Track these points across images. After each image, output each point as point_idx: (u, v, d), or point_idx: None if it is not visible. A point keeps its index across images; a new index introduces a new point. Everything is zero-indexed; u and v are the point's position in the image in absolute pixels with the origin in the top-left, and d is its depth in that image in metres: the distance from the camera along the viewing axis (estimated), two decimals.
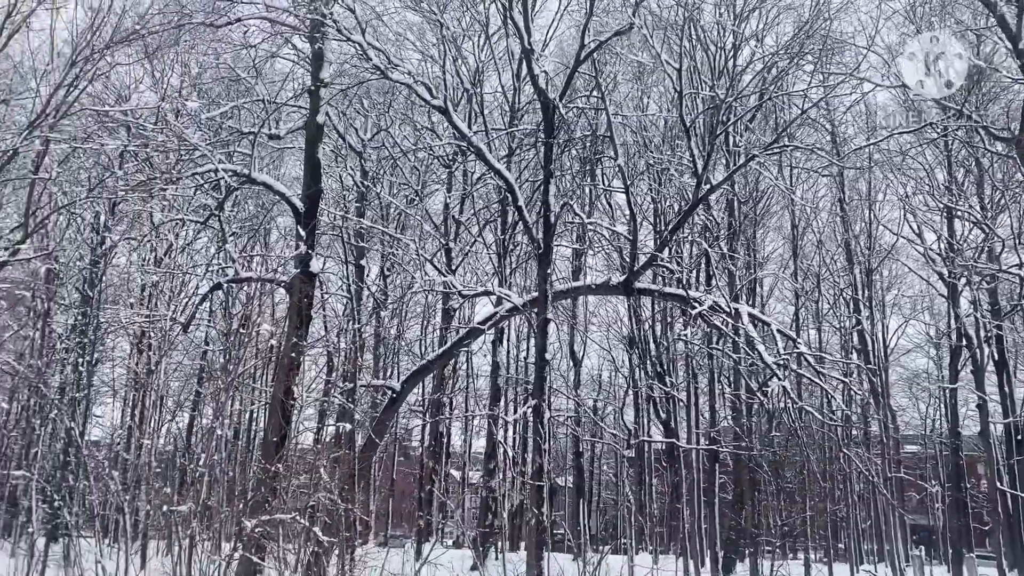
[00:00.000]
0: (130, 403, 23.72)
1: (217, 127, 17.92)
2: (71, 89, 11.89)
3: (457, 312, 26.34)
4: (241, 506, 12.82)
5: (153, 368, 19.02)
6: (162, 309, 19.82)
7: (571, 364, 29.36)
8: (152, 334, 19.78)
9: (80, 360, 17.54)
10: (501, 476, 25.58)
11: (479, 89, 23.79)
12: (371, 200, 25.57)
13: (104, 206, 18.39)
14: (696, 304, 15.83)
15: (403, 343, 30.75)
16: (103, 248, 18.69)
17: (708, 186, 16.05)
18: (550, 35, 23.22)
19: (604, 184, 23.62)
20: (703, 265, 24.07)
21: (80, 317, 18.58)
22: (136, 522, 14.60)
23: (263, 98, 17.38)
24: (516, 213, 19.11)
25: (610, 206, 26.17)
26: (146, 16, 14.75)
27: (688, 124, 15.84)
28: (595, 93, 19.48)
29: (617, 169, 18.63)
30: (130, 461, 16.98)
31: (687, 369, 25.60)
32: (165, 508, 12.57)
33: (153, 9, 15.98)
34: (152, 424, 18.60)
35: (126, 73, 18.70)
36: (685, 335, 21.16)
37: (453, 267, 23.65)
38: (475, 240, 26.15)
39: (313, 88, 16.55)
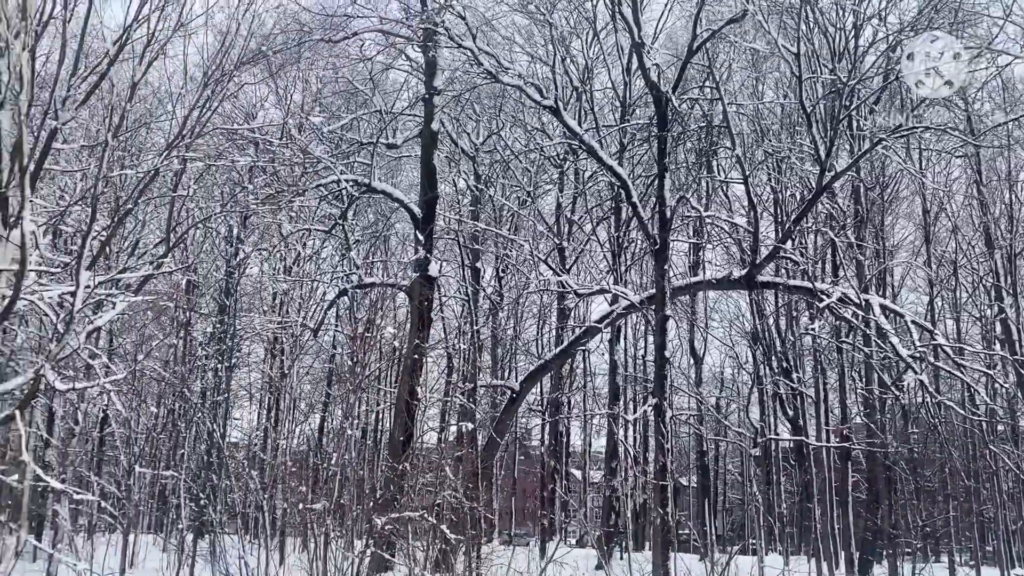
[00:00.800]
0: (265, 406, 24.95)
1: (338, 139, 18.63)
2: (204, 110, 12.56)
3: (573, 311, 26.36)
4: (371, 504, 13.26)
5: (286, 372, 19.94)
6: (293, 315, 20.78)
7: (692, 361, 28.94)
8: (284, 339, 20.77)
9: (219, 366, 18.62)
10: (623, 475, 25.45)
11: (589, 87, 23.75)
12: (484, 203, 25.91)
13: (236, 219, 19.48)
14: (823, 296, 15.28)
15: (520, 343, 30.98)
16: (237, 259, 19.77)
17: (832, 173, 15.43)
18: (660, 28, 22.88)
19: (721, 176, 23.03)
20: (829, 255, 23.13)
21: (218, 325, 19.73)
22: (274, 519, 15.30)
23: (380, 109, 17.97)
24: (630, 209, 18.96)
25: (728, 198, 25.55)
26: (270, 36, 15.54)
27: (808, 110, 15.26)
28: (709, 83, 19.08)
29: (735, 159, 18.16)
30: (267, 461, 17.85)
31: (815, 364, 24.68)
32: (301, 506, 13.15)
33: (276, 29, 16.82)
34: (286, 425, 19.49)
35: (252, 92, 19.81)
36: (812, 329, 20.42)
37: (567, 266, 23.68)
38: (588, 239, 26.08)
39: (427, 96, 17.00)
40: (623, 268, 23.71)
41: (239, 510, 16.41)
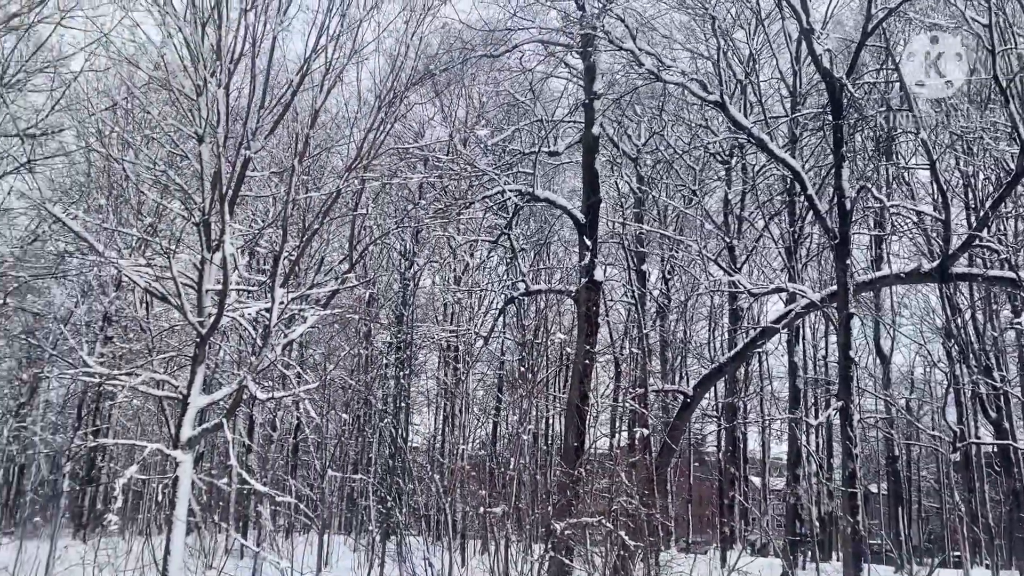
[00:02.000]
0: (442, 411, 25.89)
1: (501, 151, 19.03)
2: (378, 132, 13.20)
3: (746, 312, 25.53)
4: (548, 509, 13.39)
5: (461, 378, 20.65)
6: (464, 324, 21.50)
7: (878, 361, 27.19)
8: (457, 347, 21.54)
9: (399, 373, 19.57)
10: (808, 482, 24.30)
11: (755, 78, 22.95)
12: (648, 205, 25.63)
13: (410, 234, 20.41)
14: None
15: (691, 347, 30.39)
16: (411, 272, 20.69)
17: None
18: (830, 11, 21.74)
19: (903, 162, 21.51)
20: None
21: (396, 335, 20.75)
22: (455, 522, 15.79)
23: (540, 118, 18.20)
24: (805, 203, 18.17)
25: (911, 186, 23.86)
26: (435, 56, 16.17)
27: (1005, 85, 14.03)
28: (887, 65, 17.94)
29: (919, 144, 16.97)
30: (446, 465, 18.50)
31: (1020, 361, 22.61)
32: (481, 510, 13.48)
33: (440, 49, 17.46)
34: (462, 430, 20.16)
35: (420, 111, 20.69)
36: (1018, 323, 18.71)
37: (738, 266, 22.95)
38: (760, 235, 25.14)
39: (587, 102, 17.04)
40: (800, 265, 22.66)
41: (422, 512, 17.12)
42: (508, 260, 21.50)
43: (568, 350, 18.13)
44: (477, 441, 21.72)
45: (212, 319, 12.01)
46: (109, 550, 14.95)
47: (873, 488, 35.33)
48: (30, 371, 19.45)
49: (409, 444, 20.88)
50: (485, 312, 23.31)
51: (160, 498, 15.24)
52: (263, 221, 15.70)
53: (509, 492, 13.85)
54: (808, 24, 15.33)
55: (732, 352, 19.62)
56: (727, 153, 24.30)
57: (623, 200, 24.68)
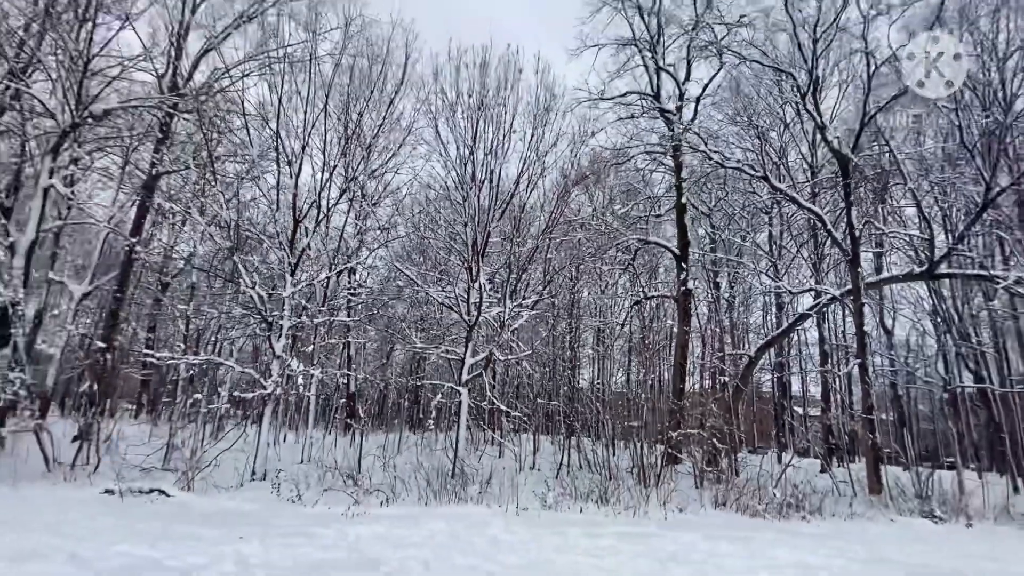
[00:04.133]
0: (596, 365, 25.46)
1: (623, 217, 18.50)
2: (557, 211, 13.43)
3: (787, 304, 23.28)
4: (664, 424, 13.02)
5: (608, 348, 20.30)
6: (609, 316, 21.22)
7: (883, 334, 23.80)
8: (602, 329, 21.19)
9: (571, 341, 19.18)
10: (837, 411, 21.65)
11: (785, 160, 21.05)
12: (718, 242, 24.17)
13: (575, 266, 20.29)
14: (999, 280, 11.82)
15: (750, 326, 28.06)
16: (576, 287, 20.55)
17: (997, 188, 11.94)
18: (834, 112, 19.60)
19: (895, 202, 18.84)
20: (998, 251, 17.64)
21: (569, 323, 20.62)
22: (611, 430, 15.41)
23: (649, 196, 17.72)
24: (825, 234, 16.44)
25: (902, 218, 20.79)
26: (587, 166, 16.40)
27: (971, 147, 12.06)
28: (878, 143, 15.90)
29: (908, 191, 14.88)
30: (602, 397, 18.21)
31: (993, 331, 18.89)
32: (625, 424, 13.38)
33: (589, 161, 17.54)
34: (609, 378, 19.76)
35: (577, 199, 20.64)
36: (991, 304, 15.71)
37: (780, 276, 21.03)
38: (794, 256, 22.93)
39: (677, 184, 16.44)
40: (823, 273, 20.38)
41: (590, 423, 16.84)
42: (633, 279, 21.05)
43: (673, 330, 17.48)
44: (619, 384, 21.39)
45: (474, 317, 12.87)
46: (428, 438, 16.25)
47: (883, 416, 30.69)
48: (385, 348, 21.48)
49: (578, 384, 20.76)
50: (621, 309, 22.91)
51: (452, 411, 16.42)
52: (497, 264, 16.50)
53: (641, 413, 13.62)
54: (821, 122, 14.01)
55: (779, 330, 18.06)
56: (769, 207, 22.42)
57: (701, 240, 23.46)
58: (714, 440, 11.72)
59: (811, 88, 14.09)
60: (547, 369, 18.08)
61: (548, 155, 13.60)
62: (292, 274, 11.76)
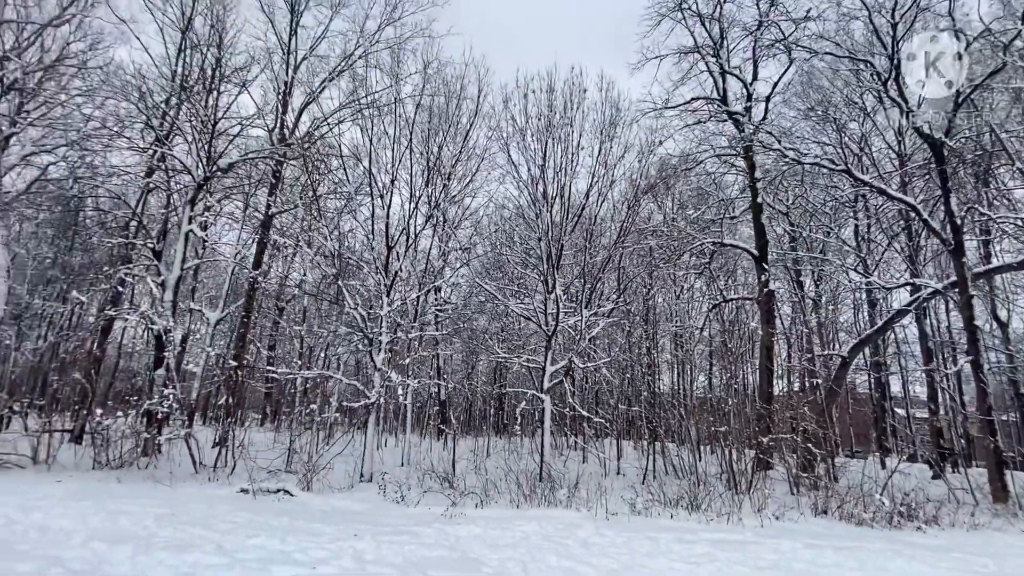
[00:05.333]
0: (676, 370, 24.51)
1: (697, 219, 17.94)
2: (628, 220, 13.25)
3: (882, 300, 21.17)
4: (754, 429, 12.31)
5: (689, 352, 19.47)
6: (686, 320, 20.42)
7: (996, 326, 20.86)
8: (680, 335, 20.38)
9: (650, 350, 18.87)
10: (944, 412, 19.20)
11: (868, 150, 19.35)
12: (798, 240, 22.54)
13: (648, 272, 19.75)
14: None
15: (840, 325, 25.72)
16: (651, 293, 20.03)
17: None
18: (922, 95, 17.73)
19: (1000, 187, 16.59)
20: None
21: (646, 330, 20.15)
22: (696, 434, 14.84)
23: (723, 199, 17.01)
24: (921, 224, 14.85)
25: (1011, 201, 18.22)
26: (655, 175, 16.06)
27: None
28: (976, 124, 14.20)
29: (1017, 170, 13.14)
30: (684, 401, 17.53)
31: None
32: (712, 428, 12.76)
33: (655, 170, 17.14)
34: (691, 383, 18.94)
35: (646, 207, 20.14)
36: None
37: (871, 271, 19.20)
38: (885, 250, 20.82)
39: (751, 184, 15.65)
40: (919, 267, 18.34)
41: (673, 429, 16.25)
42: (709, 282, 20.15)
43: (757, 333, 16.50)
44: (701, 388, 20.39)
45: (552, 327, 12.95)
46: (514, 441, 16.43)
47: (1004, 417, 26.70)
48: (471, 359, 21.99)
49: (658, 389, 20.07)
50: (699, 313, 21.92)
51: (536, 417, 16.54)
52: (572, 275, 16.51)
53: (729, 418, 12.96)
54: (907, 108, 12.78)
55: (873, 328, 16.44)
56: (853, 200, 20.61)
57: (780, 239, 21.99)
58: (809, 445, 10.91)
59: (893, 74, 12.92)
60: (626, 375, 17.69)
61: (616, 167, 13.53)
62: (388, 295, 12.55)
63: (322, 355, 21.02)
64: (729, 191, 18.63)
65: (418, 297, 14.41)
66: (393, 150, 13.41)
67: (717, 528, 7.81)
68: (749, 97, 15.50)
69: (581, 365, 13.75)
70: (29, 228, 18.36)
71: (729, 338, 18.35)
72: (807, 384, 16.67)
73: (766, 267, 14.78)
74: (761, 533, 7.50)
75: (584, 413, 12.78)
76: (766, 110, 15.77)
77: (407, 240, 13.79)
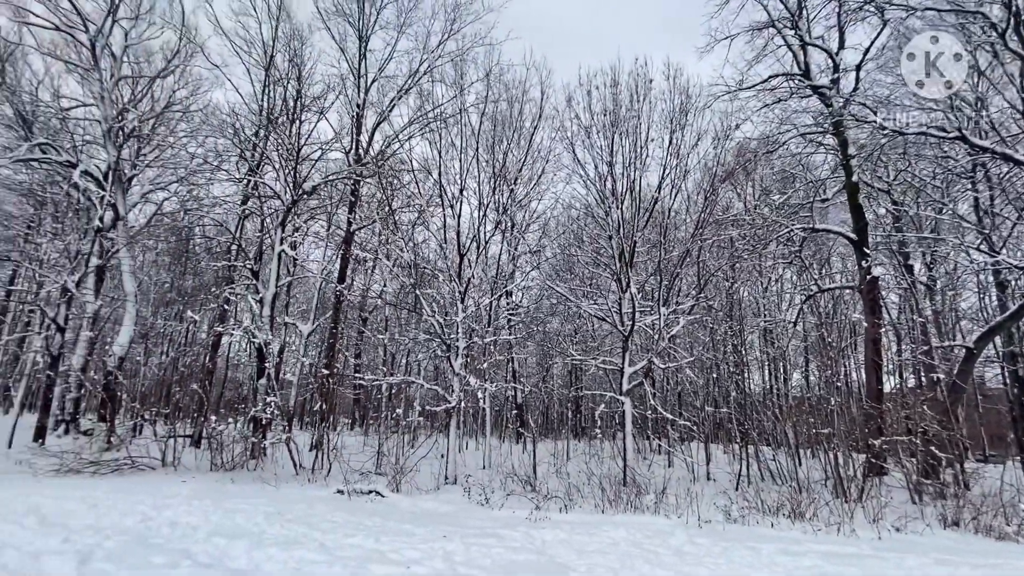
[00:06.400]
0: (766, 367, 22.90)
1: (783, 206, 16.82)
2: (705, 211, 12.73)
3: (1014, 282, 18.55)
4: (865, 430, 11.32)
5: (784, 349, 18.25)
6: (775, 315, 19.11)
7: None
8: (770, 331, 19.12)
9: (737, 347, 17.83)
10: None
11: (985, 112, 17.07)
12: (904, 219, 20.35)
13: (731, 264, 18.76)
14: None
15: (962, 313, 22.85)
16: (735, 286, 18.95)
17: None
18: None
19: None
20: None
21: (730, 326, 19.06)
22: (794, 437, 13.92)
23: (811, 181, 15.80)
24: None
25: None
26: (731, 162, 15.24)
27: None
28: None
29: None
30: (778, 402, 16.44)
31: None
32: (813, 431, 11.87)
33: (732, 156, 16.27)
34: (786, 382, 17.72)
35: (727, 193, 19.09)
36: None
37: (998, 249, 16.88)
38: (1015, 224, 18.20)
39: (845, 163, 14.41)
40: None
41: (767, 432, 15.26)
42: (800, 272, 18.73)
43: (861, 325, 15.09)
44: (797, 387, 18.95)
45: (629, 327, 12.69)
46: (594, 445, 16.23)
47: None
48: (545, 361, 22.06)
49: (748, 389, 18.92)
50: (790, 306, 20.46)
51: (615, 420, 16.25)
52: (646, 272, 16.08)
53: (831, 419, 12.00)
54: None
55: (1005, 314, 14.42)
56: (970, 170, 18.25)
57: (882, 220, 19.96)
58: (931, 447, 9.84)
59: (1011, 22, 11.35)
60: (711, 375, 16.86)
61: (690, 156, 13.04)
62: (462, 301, 12.94)
63: (403, 361, 22.08)
64: (818, 172, 17.26)
65: (491, 302, 14.73)
66: (460, 160, 13.84)
67: (826, 539, 7.25)
68: (836, 68, 14.29)
69: (661, 366, 13.35)
70: (150, 257, 20.98)
71: (827, 332, 16.90)
72: (924, 380, 14.98)
73: (867, 252, 13.52)
74: (880, 547, 6.85)
75: (667, 415, 12.38)
76: (857, 80, 14.45)
77: (478, 247, 14.16)
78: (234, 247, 16.54)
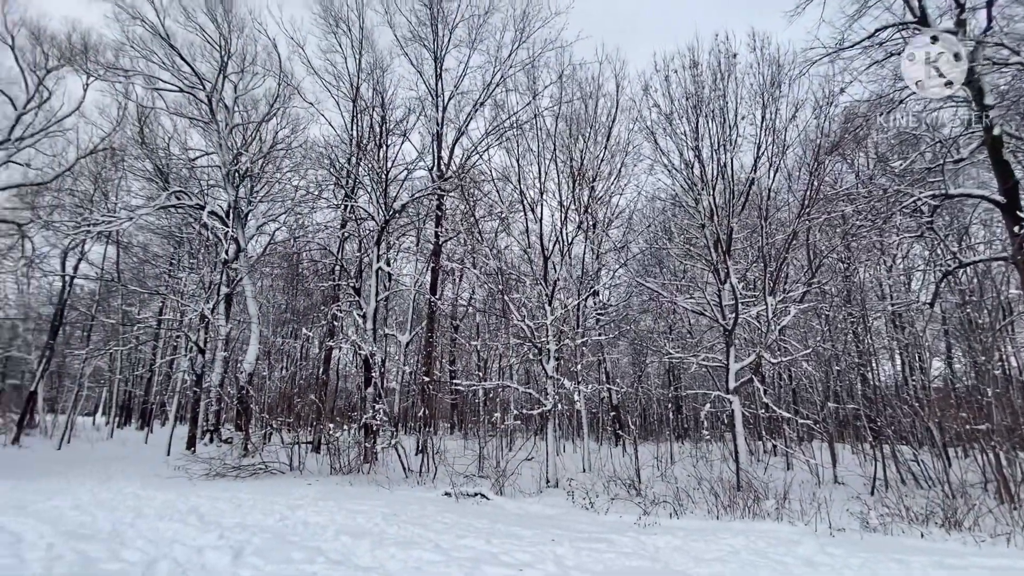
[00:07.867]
0: (899, 356, 20.37)
1: (905, 174, 15.01)
2: (811, 187, 11.76)
3: None
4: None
5: (925, 325, 16.12)
6: (905, 296, 16.94)
7: None
8: (900, 313, 16.98)
9: (860, 332, 16.19)
10: None
11: None
12: None
13: (844, 243, 17.05)
14: None
15: None
16: (851, 269, 17.24)
17: None
18: None
19: None
20: None
21: (851, 312, 17.31)
22: (940, 435, 12.35)
23: (939, 140, 13.93)
24: None
25: None
26: (838, 131, 13.82)
27: None
28: None
29: None
30: (916, 395, 14.53)
31: None
32: (967, 426, 10.43)
33: (837, 125, 14.81)
34: (926, 372, 15.63)
35: (835, 169, 17.42)
36: None
37: None
38: None
39: (981, 114, 12.55)
40: None
41: (906, 430, 13.68)
42: (932, 246, 16.52)
43: (1018, 302, 12.95)
44: (940, 377, 16.61)
45: (731, 319, 12.02)
46: (701, 448, 15.52)
47: None
48: (639, 361, 21.51)
49: (878, 381, 17.00)
50: (923, 285, 18.09)
51: (722, 420, 15.40)
52: (745, 260, 15.15)
53: (986, 413, 10.46)
54: None
55: None
56: None
57: None
58: None
59: None
60: (831, 368, 15.43)
61: (787, 130, 12.10)
62: (549, 303, 13.06)
63: (496, 366, 22.70)
64: (947, 130, 15.18)
65: (578, 303, 14.69)
66: (538, 164, 14.02)
67: (992, 551, 6.33)
68: (961, 7, 12.50)
69: (772, 360, 12.50)
70: (267, 283, 23.61)
71: (976, 312, 14.66)
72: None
73: (1021, 215, 11.63)
74: None
75: (783, 414, 11.52)
76: (989, 17, 12.49)
77: (561, 248, 14.22)
78: (337, 268, 18.07)
